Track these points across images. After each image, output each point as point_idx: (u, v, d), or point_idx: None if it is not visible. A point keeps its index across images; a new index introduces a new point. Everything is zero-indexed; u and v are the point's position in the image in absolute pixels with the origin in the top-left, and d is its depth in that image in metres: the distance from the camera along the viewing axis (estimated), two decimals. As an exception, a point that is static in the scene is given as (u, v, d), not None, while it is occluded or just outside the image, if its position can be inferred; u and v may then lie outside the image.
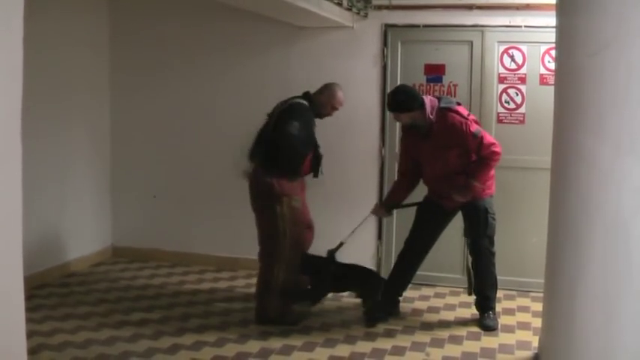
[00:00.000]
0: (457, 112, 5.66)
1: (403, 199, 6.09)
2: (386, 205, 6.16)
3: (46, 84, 6.52)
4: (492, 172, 5.79)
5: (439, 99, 5.77)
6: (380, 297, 5.93)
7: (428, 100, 5.69)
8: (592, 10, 3.68)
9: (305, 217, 5.84)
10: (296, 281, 5.79)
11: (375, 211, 6.19)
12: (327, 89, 5.89)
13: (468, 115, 5.73)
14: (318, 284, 5.90)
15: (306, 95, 5.87)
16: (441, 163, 5.69)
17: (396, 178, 6.89)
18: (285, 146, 5.58)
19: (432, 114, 5.62)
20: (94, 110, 7.53)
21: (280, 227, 5.69)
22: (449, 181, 5.70)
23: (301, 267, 5.75)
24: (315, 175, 5.91)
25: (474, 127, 5.61)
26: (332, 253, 5.90)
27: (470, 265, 6.00)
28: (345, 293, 6.36)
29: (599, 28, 3.53)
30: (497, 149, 5.61)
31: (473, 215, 5.81)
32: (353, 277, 5.95)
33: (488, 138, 5.65)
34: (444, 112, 5.65)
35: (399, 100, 5.65)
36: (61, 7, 6.78)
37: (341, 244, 5.95)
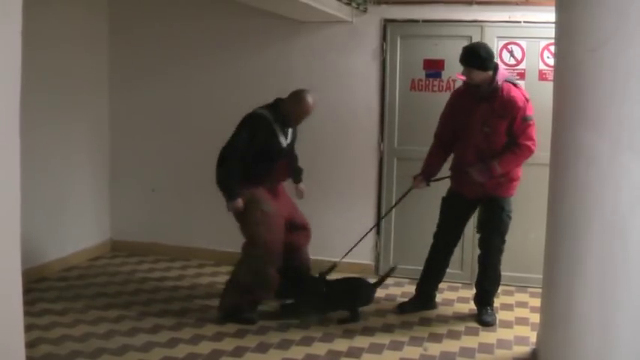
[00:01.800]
0: (520, 90, 5.65)
1: (440, 168, 6.00)
2: (425, 176, 5.99)
3: (46, 79, 6.51)
4: (519, 173, 5.78)
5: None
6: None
7: (501, 67, 5.68)
8: (591, 5, 3.67)
9: (280, 221, 5.79)
10: (263, 285, 5.74)
11: (416, 184, 6.03)
12: (294, 97, 5.75)
13: (529, 99, 5.66)
14: (303, 302, 5.92)
15: (274, 103, 5.81)
16: (486, 134, 5.63)
17: (394, 173, 6.93)
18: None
19: (499, 81, 5.58)
20: (93, 105, 7.52)
21: (253, 231, 5.72)
22: (482, 155, 5.65)
23: (290, 283, 5.82)
24: (295, 181, 6.00)
25: (529, 113, 5.58)
26: (324, 275, 5.93)
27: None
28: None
29: (598, 23, 3.52)
30: (533, 147, 5.59)
31: (490, 210, 5.81)
32: (344, 293, 5.89)
33: (533, 132, 5.60)
34: (509, 84, 5.63)
35: (481, 56, 5.53)
36: (60, 2, 6.77)
37: (334, 266, 5.99)
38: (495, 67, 5.59)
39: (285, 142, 5.82)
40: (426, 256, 6.10)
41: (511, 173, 5.72)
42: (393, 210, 6.76)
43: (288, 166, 6.03)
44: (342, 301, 5.87)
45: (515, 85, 5.67)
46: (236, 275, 5.83)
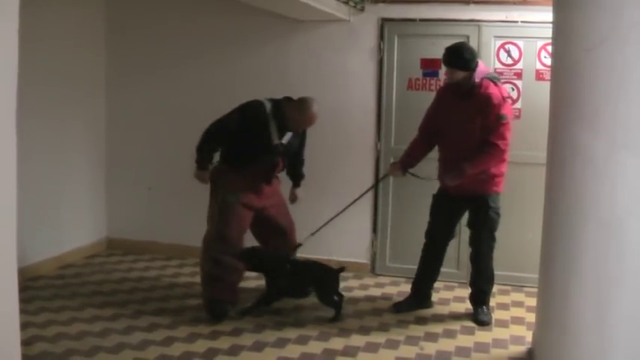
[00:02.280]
0: (498, 88, 5.63)
1: (419, 160, 5.99)
2: (402, 164, 6.01)
3: (43, 78, 6.49)
4: (502, 169, 5.75)
5: (488, 72, 5.78)
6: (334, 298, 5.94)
7: (481, 64, 5.68)
8: (588, 5, 3.68)
9: (244, 216, 5.83)
10: (224, 273, 5.79)
11: (392, 171, 6.09)
12: (299, 104, 5.73)
13: (507, 98, 5.67)
14: (271, 283, 5.95)
15: (280, 100, 5.81)
16: (466, 131, 5.63)
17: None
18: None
19: (477, 78, 5.59)
20: (90, 103, 7.51)
21: (211, 216, 5.93)
22: (462, 153, 5.64)
23: (246, 261, 5.85)
24: (267, 182, 5.91)
25: (505, 112, 5.57)
26: (290, 253, 6.01)
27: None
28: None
29: (594, 23, 3.53)
30: (503, 146, 5.58)
31: (477, 208, 5.82)
32: (310, 275, 5.91)
33: (505, 131, 5.58)
34: (487, 80, 5.63)
35: (465, 58, 5.55)
36: (57, 1, 6.77)
37: (299, 245, 6.04)
38: (476, 65, 5.61)
39: (277, 140, 5.79)
40: (420, 256, 6.11)
41: (491, 170, 5.70)
42: (389, 209, 6.77)
43: (285, 168, 6.06)
44: (307, 281, 5.91)
45: (494, 82, 5.67)
46: (200, 269, 6.01)
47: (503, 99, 5.59)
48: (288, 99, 5.80)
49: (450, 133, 5.77)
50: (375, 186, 6.27)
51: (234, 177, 5.79)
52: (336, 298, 5.88)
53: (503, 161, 5.74)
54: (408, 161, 5.98)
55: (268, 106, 5.73)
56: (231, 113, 5.74)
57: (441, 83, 6.51)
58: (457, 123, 5.69)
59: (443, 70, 6.01)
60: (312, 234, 6.06)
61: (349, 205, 6.16)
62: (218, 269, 5.77)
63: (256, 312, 5.85)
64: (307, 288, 5.94)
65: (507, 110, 5.60)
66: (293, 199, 6.25)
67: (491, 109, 5.54)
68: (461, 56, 5.55)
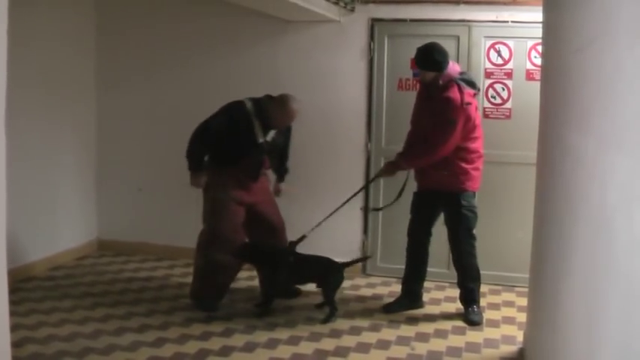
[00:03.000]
0: (461, 92, 5.58)
1: None
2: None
3: (32, 79, 6.49)
4: (475, 166, 5.75)
5: (462, 73, 5.77)
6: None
7: (451, 66, 5.69)
8: (578, 5, 3.69)
9: (237, 213, 5.94)
10: (215, 270, 5.92)
11: (389, 169, 6.02)
12: (278, 101, 5.83)
13: (469, 105, 5.60)
14: (270, 276, 5.97)
15: (262, 98, 5.90)
16: (426, 129, 5.67)
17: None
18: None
19: (443, 80, 5.62)
20: (80, 104, 7.50)
21: (205, 214, 6.04)
22: None
23: (245, 255, 5.95)
24: (254, 179, 5.99)
25: (456, 116, 5.53)
26: (293, 245, 6.04)
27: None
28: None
29: (584, 23, 3.54)
30: (439, 148, 5.57)
31: (448, 207, 5.85)
32: (313, 268, 5.94)
33: (447, 137, 5.54)
34: (452, 83, 5.62)
35: (435, 59, 5.60)
36: (46, 3, 6.76)
37: (304, 237, 6.03)
38: (445, 67, 5.63)
39: (262, 138, 5.87)
40: (405, 256, 6.13)
41: (454, 167, 5.70)
42: (380, 210, 6.80)
43: (269, 164, 6.16)
44: (312, 274, 5.93)
45: (461, 86, 5.61)
46: (194, 262, 6.15)
47: (462, 104, 5.56)
48: (269, 97, 5.89)
49: (418, 131, 5.85)
50: (373, 180, 6.33)
51: (222, 176, 5.90)
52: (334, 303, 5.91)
53: (469, 160, 5.73)
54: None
55: (250, 105, 5.83)
56: (215, 115, 5.84)
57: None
58: (424, 121, 5.78)
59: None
60: (317, 225, 6.05)
61: (354, 195, 6.25)
62: (209, 267, 5.90)
63: (264, 309, 5.96)
64: (309, 281, 6.00)
65: (459, 115, 5.55)
66: (277, 192, 6.38)
67: (443, 111, 5.57)
68: (430, 57, 5.62)
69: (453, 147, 5.60)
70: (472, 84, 5.75)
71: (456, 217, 5.82)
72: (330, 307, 5.84)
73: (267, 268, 5.97)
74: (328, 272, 5.91)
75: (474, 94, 5.74)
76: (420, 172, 5.87)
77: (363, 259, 6.60)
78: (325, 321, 5.77)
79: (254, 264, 6.15)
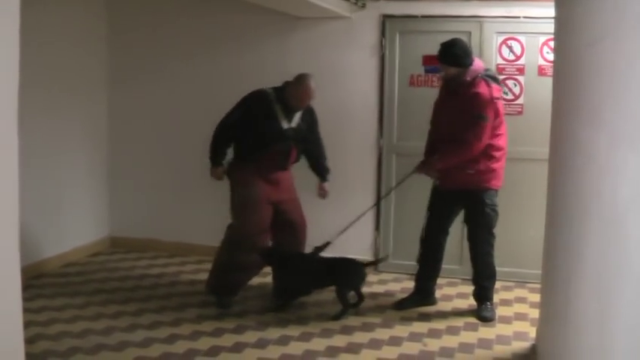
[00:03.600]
0: (489, 88, 5.60)
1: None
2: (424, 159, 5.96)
3: (44, 77, 6.51)
4: (493, 165, 5.73)
5: (487, 69, 5.77)
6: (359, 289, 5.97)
7: (477, 62, 5.68)
8: (590, 0, 3.67)
9: (262, 209, 5.87)
10: (236, 268, 5.89)
11: (423, 169, 5.92)
12: (295, 80, 5.81)
13: (497, 100, 5.62)
14: (294, 282, 5.95)
15: (281, 85, 5.87)
16: (453, 126, 5.64)
17: (394, 169, 6.94)
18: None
19: (470, 76, 5.61)
20: (92, 102, 7.52)
21: (232, 211, 5.94)
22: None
23: (269, 260, 5.92)
24: (284, 168, 5.96)
25: (487, 112, 5.55)
26: (318, 250, 5.99)
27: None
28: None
29: (597, 18, 3.52)
30: (475, 145, 5.56)
31: (471, 204, 5.82)
32: (336, 271, 5.85)
33: (481, 131, 5.54)
34: (479, 79, 5.63)
35: (455, 54, 5.58)
36: (58, 1, 6.78)
37: (328, 243, 5.99)
38: (470, 63, 5.61)
39: (286, 125, 5.82)
40: (418, 252, 6.11)
41: (479, 166, 5.69)
42: (392, 206, 6.79)
43: (298, 155, 6.03)
44: (334, 277, 5.87)
45: (487, 81, 5.64)
46: (216, 254, 6.06)
47: (492, 99, 5.57)
48: (286, 82, 5.87)
49: (441, 128, 5.82)
50: (401, 182, 6.25)
51: (250, 170, 5.83)
52: (351, 300, 5.89)
53: (494, 158, 5.72)
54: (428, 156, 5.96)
55: (271, 91, 5.83)
56: (236, 105, 5.84)
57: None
58: (447, 118, 5.74)
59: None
60: (342, 232, 6.05)
61: (386, 195, 6.32)
62: (231, 264, 5.87)
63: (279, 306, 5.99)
64: (332, 284, 5.93)
65: (489, 112, 5.56)
66: (322, 194, 6.27)
67: (473, 107, 5.55)
68: (452, 53, 5.59)
69: (486, 143, 5.60)
70: (497, 80, 5.77)
71: (478, 216, 5.80)
72: (343, 305, 5.81)
73: (292, 274, 5.91)
74: (349, 272, 5.89)
75: (500, 90, 5.76)
76: (443, 171, 5.78)
77: (382, 259, 6.50)
78: (337, 318, 5.76)
79: (279, 269, 5.99)
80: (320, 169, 6.25)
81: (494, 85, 5.64)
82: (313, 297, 6.07)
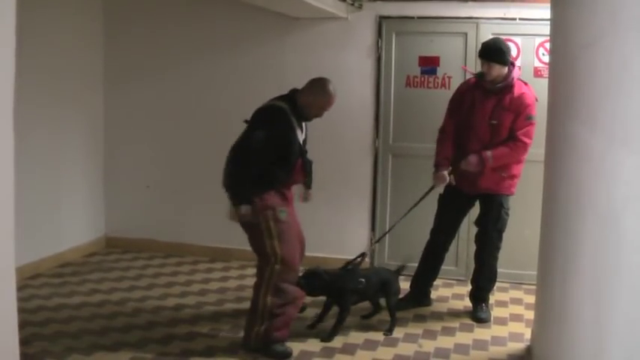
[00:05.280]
0: (530, 89, 5.75)
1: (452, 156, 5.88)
2: (443, 168, 5.81)
3: (41, 77, 6.52)
4: (520, 170, 5.81)
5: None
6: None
7: (516, 64, 5.78)
8: (585, 2, 3.68)
9: (295, 231, 5.25)
10: (287, 304, 5.12)
11: (440, 180, 5.82)
12: (315, 87, 5.20)
13: (537, 100, 5.72)
14: (341, 305, 5.47)
15: (290, 94, 5.25)
16: (493, 126, 5.66)
17: (390, 170, 6.93)
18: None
19: (515, 78, 5.69)
20: (89, 102, 7.51)
21: (267, 245, 5.05)
22: (486, 148, 5.68)
23: (309, 287, 5.27)
24: (307, 186, 5.48)
25: (534, 113, 5.65)
26: (356, 265, 5.64)
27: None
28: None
29: (592, 20, 3.53)
30: (529, 144, 5.67)
31: (488, 206, 5.84)
32: (376, 283, 5.60)
33: (532, 131, 5.66)
34: (521, 82, 5.74)
35: (503, 51, 5.60)
36: (54, 3, 6.78)
37: (364, 255, 5.80)
38: (512, 63, 5.67)
39: (302, 137, 5.27)
40: (421, 253, 6.10)
41: (512, 170, 5.76)
42: (388, 207, 6.80)
43: (304, 167, 5.39)
44: (376, 290, 5.64)
45: (525, 83, 5.78)
46: (256, 301, 5.11)
47: (536, 100, 5.69)
48: (296, 90, 5.26)
49: (476, 130, 5.74)
50: (423, 198, 6.10)
51: (273, 193, 5.09)
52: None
53: (522, 162, 5.81)
54: (447, 164, 5.86)
55: (284, 105, 5.11)
56: (254, 129, 5.05)
57: (452, 82, 6.62)
58: (486, 120, 5.69)
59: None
60: (376, 241, 6.04)
61: (423, 197, 5.99)
62: (283, 301, 5.08)
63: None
64: (373, 298, 5.75)
65: (535, 111, 5.67)
66: (306, 198, 5.64)
67: (524, 108, 5.63)
68: (500, 50, 5.60)
69: None
70: (526, 83, 5.85)
71: (493, 220, 5.82)
72: (392, 317, 5.64)
73: (337, 297, 5.45)
74: (389, 282, 5.69)
75: None
76: (468, 173, 5.74)
77: (405, 266, 6.03)
78: (390, 331, 5.56)
79: (318, 295, 5.45)
80: (309, 176, 5.58)
81: (531, 88, 5.77)
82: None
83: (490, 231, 5.84)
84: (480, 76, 5.76)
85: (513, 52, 6.57)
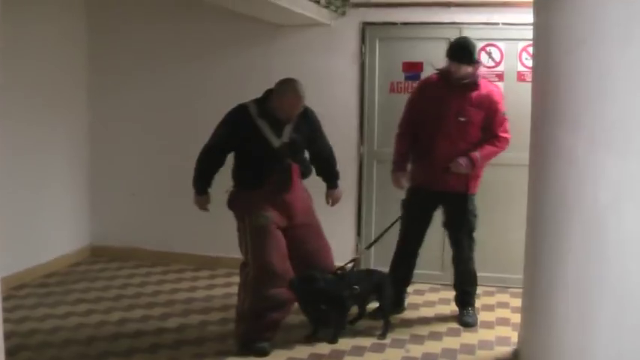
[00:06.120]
0: (496, 87, 5.93)
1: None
2: (402, 170, 5.89)
3: (24, 83, 6.49)
4: (482, 171, 5.83)
5: None
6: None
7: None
8: (567, 7, 3.71)
9: (278, 237, 5.21)
10: (268, 307, 5.16)
11: (398, 183, 5.93)
12: (281, 88, 5.24)
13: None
14: (336, 311, 5.44)
15: (263, 95, 5.34)
16: (461, 123, 5.67)
17: (374, 175, 6.95)
18: None
19: (481, 75, 5.78)
20: (72, 108, 7.48)
21: (242, 247, 5.32)
22: (455, 145, 5.69)
23: (301, 293, 5.24)
24: (330, 185, 5.70)
25: (504, 108, 5.75)
26: (347, 269, 5.71)
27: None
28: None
29: (574, 25, 3.55)
30: (510, 138, 5.76)
31: (454, 210, 5.84)
32: (370, 287, 5.60)
33: (508, 126, 5.77)
34: (485, 79, 5.84)
35: (472, 53, 5.62)
36: (37, 4, 6.73)
37: (355, 259, 5.86)
38: (477, 61, 5.71)
39: (277, 142, 5.23)
40: (391, 262, 6.09)
41: (477, 170, 5.78)
42: (373, 212, 6.81)
43: (304, 170, 5.48)
44: (370, 294, 5.63)
45: (490, 81, 5.92)
46: (239, 300, 5.38)
47: (502, 96, 5.80)
48: (269, 90, 5.32)
49: (442, 127, 5.72)
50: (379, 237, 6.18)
51: (253, 197, 5.21)
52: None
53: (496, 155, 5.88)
54: (405, 164, 5.92)
55: (252, 106, 5.23)
56: (219, 124, 5.31)
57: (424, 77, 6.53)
58: (453, 117, 5.68)
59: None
60: (367, 248, 6.03)
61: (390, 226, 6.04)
62: (262, 305, 5.14)
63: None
64: (368, 302, 5.73)
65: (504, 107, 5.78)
66: (331, 201, 5.78)
67: (495, 105, 5.70)
68: (469, 51, 5.62)
69: None
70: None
71: (461, 221, 5.83)
72: (385, 321, 5.62)
73: (330, 303, 5.35)
74: (383, 285, 5.63)
75: None
76: (442, 169, 5.72)
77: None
78: (383, 335, 5.55)
79: (313, 300, 5.34)
80: (327, 174, 5.74)
81: (496, 85, 5.95)
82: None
83: (460, 235, 5.86)
84: (443, 73, 5.78)
85: (497, 57, 6.64)
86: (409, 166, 5.95)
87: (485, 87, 5.72)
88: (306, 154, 5.60)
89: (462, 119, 5.66)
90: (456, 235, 5.87)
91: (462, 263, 5.90)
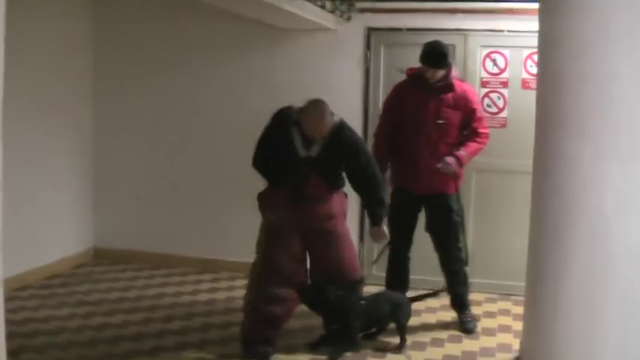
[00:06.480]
0: (468, 86, 6.00)
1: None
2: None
3: (29, 85, 6.48)
4: (462, 171, 5.83)
5: None
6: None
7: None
8: (573, 14, 3.70)
9: (291, 242, 5.19)
10: (264, 308, 5.15)
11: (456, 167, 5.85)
12: (304, 106, 5.17)
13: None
14: (343, 325, 5.27)
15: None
16: (439, 125, 5.68)
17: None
18: None
19: (454, 77, 5.78)
20: (77, 111, 7.49)
21: (256, 243, 5.35)
22: (435, 147, 5.71)
23: (307, 300, 5.21)
24: (295, 200, 5.16)
25: (479, 105, 5.89)
26: (357, 285, 5.48)
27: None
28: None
29: (580, 32, 3.56)
30: (489, 133, 5.87)
31: (437, 212, 5.84)
32: (383, 307, 5.48)
33: (485, 121, 5.93)
34: (457, 80, 5.85)
35: (447, 55, 5.67)
36: (44, 7, 6.75)
37: (362, 279, 5.67)
38: (450, 63, 5.76)
39: (304, 152, 5.13)
40: (387, 271, 6.10)
41: (462, 169, 5.83)
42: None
43: (330, 185, 5.28)
44: (383, 314, 5.49)
45: (462, 80, 5.97)
46: (244, 299, 5.42)
47: (475, 92, 5.97)
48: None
49: (422, 130, 5.73)
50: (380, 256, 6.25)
51: (275, 197, 5.21)
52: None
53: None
54: (385, 168, 5.83)
55: (292, 112, 5.17)
56: (261, 134, 5.23)
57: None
58: (432, 119, 5.70)
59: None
60: (374, 262, 6.02)
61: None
62: (264, 300, 5.14)
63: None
64: (381, 323, 5.60)
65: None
66: (374, 238, 5.59)
67: (472, 104, 5.77)
68: (445, 57, 5.65)
69: None
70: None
71: (446, 222, 5.82)
72: (402, 338, 5.48)
73: (336, 316, 5.24)
74: (400, 307, 5.53)
75: None
76: (425, 172, 5.73)
77: (433, 293, 6.00)
78: (399, 349, 5.43)
79: (319, 310, 5.30)
80: (369, 209, 5.50)
81: (468, 84, 6.03)
82: (300, 320, 6.03)
83: (446, 237, 5.85)
84: (417, 77, 5.81)
85: (502, 65, 6.64)
86: (388, 171, 5.92)
87: (459, 87, 5.76)
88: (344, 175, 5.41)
89: (441, 122, 5.70)
90: (443, 238, 5.86)
91: (453, 266, 5.88)
